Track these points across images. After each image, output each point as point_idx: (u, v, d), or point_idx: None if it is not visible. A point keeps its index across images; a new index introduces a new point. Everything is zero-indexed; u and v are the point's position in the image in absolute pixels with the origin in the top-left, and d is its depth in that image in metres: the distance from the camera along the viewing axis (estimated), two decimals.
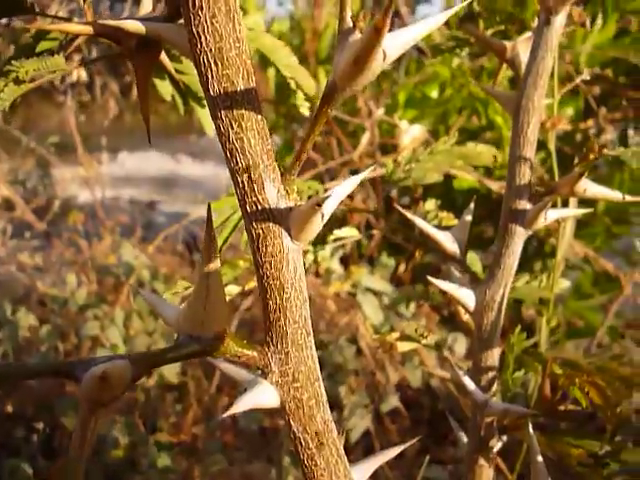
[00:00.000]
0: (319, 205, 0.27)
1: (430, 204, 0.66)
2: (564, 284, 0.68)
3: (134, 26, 0.30)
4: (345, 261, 1.77)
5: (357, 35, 0.25)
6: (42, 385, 1.39)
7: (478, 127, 1.72)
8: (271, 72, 2.17)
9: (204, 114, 0.57)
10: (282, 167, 0.31)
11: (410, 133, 1.23)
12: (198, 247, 1.68)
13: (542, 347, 0.62)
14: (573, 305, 1.78)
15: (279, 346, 0.31)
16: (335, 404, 1.14)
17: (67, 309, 1.58)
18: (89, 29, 0.32)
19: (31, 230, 3.05)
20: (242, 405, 0.31)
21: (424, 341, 0.51)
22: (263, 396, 0.32)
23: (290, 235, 0.30)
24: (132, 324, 1.50)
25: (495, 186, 1.35)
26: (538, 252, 1.66)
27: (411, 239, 0.62)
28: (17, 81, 0.32)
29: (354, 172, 1.51)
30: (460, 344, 1.46)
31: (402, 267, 1.80)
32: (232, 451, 1.37)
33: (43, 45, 0.43)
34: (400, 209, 0.50)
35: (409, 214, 0.50)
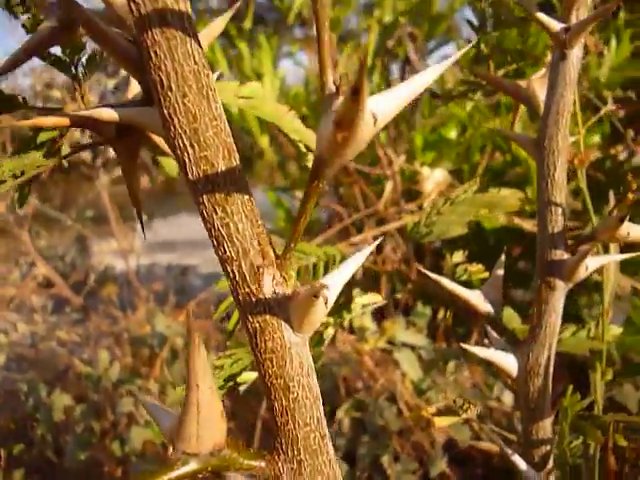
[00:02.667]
0: (316, 296, 0.24)
1: (457, 256, 0.62)
2: (615, 331, 0.62)
3: (108, 114, 0.28)
4: (380, 313, 1.71)
5: (340, 100, 0.22)
6: (79, 467, 1.35)
7: (503, 163, 1.68)
8: None
9: None
10: (276, 250, 0.27)
11: (432, 179, 1.20)
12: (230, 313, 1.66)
13: (599, 406, 0.55)
14: (628, 340, 1.67)
15: (290, 454, 0.27)
16: (378, 470, 1.07)
17: (102, 386, 1.56)
18: (65, 121, 0.30)
19: (70, 304, 3.10)
20: None
21: (463, 415, 0.46)
22: None
23: (291, 327, 0.26)
24: (168, 397, 1.47)
25: (528, 225, 1.30)
26: (581, 285, 1.57)
27: (439, 297, 0.57)
28: None
29: (380, 222, 1.48)
30: (508, 393, 1.37)
31: (440, 314, 1.73)
32: None
33: (42, 136, 0.42)
34: (426, 272, 0.46)
35: (435, 276, 0.46)
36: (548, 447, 0.44)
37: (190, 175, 0.25)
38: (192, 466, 0.25)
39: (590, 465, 0.48)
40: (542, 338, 0.44)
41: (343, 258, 0.53)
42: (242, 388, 0.42)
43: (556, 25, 0.42)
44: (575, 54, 0.44)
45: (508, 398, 1.37)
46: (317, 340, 0.52)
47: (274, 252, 0.27)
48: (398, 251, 1.60)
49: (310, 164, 0.54)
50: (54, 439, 1.48)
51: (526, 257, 1.73)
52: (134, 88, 0.38)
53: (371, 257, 1.52)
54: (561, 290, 0.43)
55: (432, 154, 1.57)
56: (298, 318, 0.26)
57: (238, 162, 0.26)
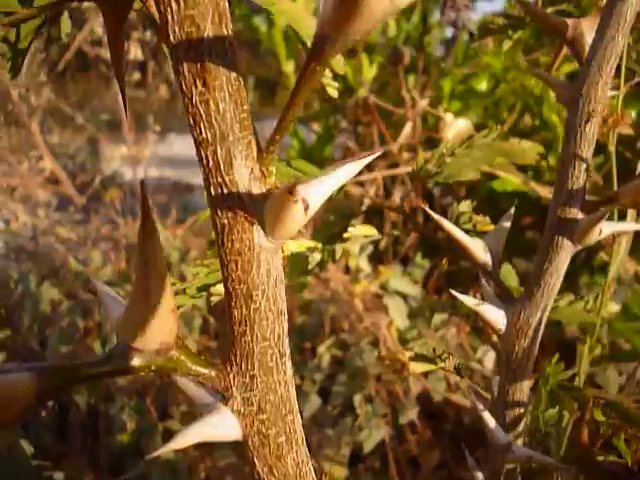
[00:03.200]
0: (291, 193, 0.21)
1: (465, 205, 0.58)
2: (613, 308, 0.59)
3: None
4: (378, 259, 1.69)
5: None
6: (58, 360, 1.38)
7: (531, 126, 1.61)
8: None
9: None
10: (298, 139, 0.24)
11: (455, 127, 1.15)
12: None
13: (581, 379, 0.53)
14: (619, 326, 1.66)
15: (243, 367, 0.25)
16: (351, 409, 1.07)
17: (91, 285, 1.56)
18: None
19: (74, 204, 3.09)
20: (193, 436, 0.25)
21: (441, 364, 0.44)
22: (220, 427, 0.25)
23: (264, 229, 0.23)
24: None
25: (544, 191, 1.25)
26: (585, 265, 1.54)
27: (438, 244, 0.54)
28: None
29: (393, 166, 1.43)
30: (491, 357, 1.36)
31: (438, 269, 1.71)
32: (241, 446, 1.32)
33: None
34: (426, 209, 0.43)
35: (437, 216, 0.43)
36: (522, 410, 0.43)
37: (172, 36, 0.22)
38: (133, 362, 0.23)
39: (560, 434, 0.47)
40: (538, 298, 0.41)
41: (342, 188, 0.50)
42: (214, 299, 0.40)
43: None
44: None
45: (490, 362, 1.37)
46: (303, 267, 0.49)
47: (257, 142, 0.23)
48: (407, 200, 1.56)
49: (326, 81, 0.50)
50: (39, 330, 1.50)
51: (535, 227, 1.69)
52: None
53: (378, 200, 1.49)
54: (568, 251, 0.40)
55: (458, 104, 1.50)
56: (272, 220, 0.23)
57: (230, 33, 0.22)
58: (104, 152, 4.06)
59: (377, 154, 0.27)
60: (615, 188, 0.51)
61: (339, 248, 0.48)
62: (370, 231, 0.49)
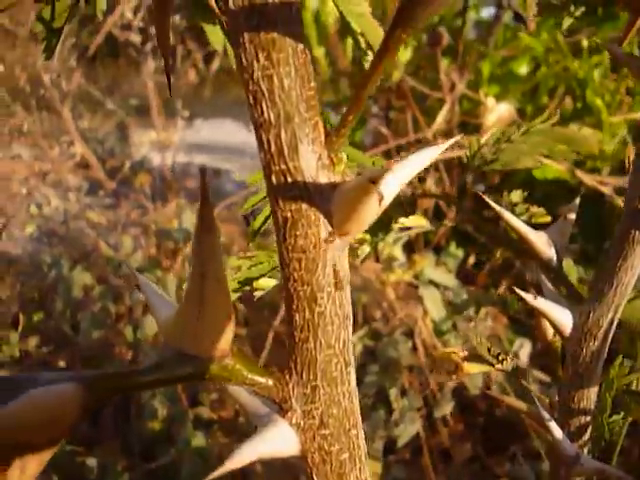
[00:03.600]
0: (375, 182, 0.18)
1: (516, 196, 0.54)
2: None
3: None
4: (409, 248, 1.65)
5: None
6: (91, 345, 1.39)
7: (573, 110, 1.55)
8: (349, 42, 2.06)
9: None
10: (330, 125, 0.21)
11: (497, 112, 1.10)
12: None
13: None
14: None
15: (304, 377, 0.22)
16: (385, 404, 1.05)
17: (124, 271, 1.57)
18: None
19: (104, 189, 3.12)
20: (250, 453, 0.22)
21: (498, 365, 0.41)
22: (278, 441, 0.23)
23: (331, 224, 0.21)
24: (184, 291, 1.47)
25: (588, 179, 1.20)
26: None
27: (487, 236, 0.51)
28: None
29: None
30: (525, 350, 1.32)
31: (471, 259, 1.67)
32: None
33: None
34: (490, 202, 0.39)
35: (499, 208, 0.40)
36: (587, 418, 0.39)
37: (232, 3, 0.19)
38: (185, 370, 0.21)
39: (615, 439, 0.43)
40: (610, 297, 0.37)
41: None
42: (258, 294, 0.37)
43: None
44: None
45: (525, 355, 1.33)
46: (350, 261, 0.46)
47: (324, 125, 0.20)
48: (440, 187, 1.52)
49: (368, 65, 0.46)
50: (72, 314, 1.51)
51: (576, 217, 1.63)
52: None
53: (410, 189, 1.45)
54: None
55: (497, 88, 1.44)
56: (342, 214, 0.20)
57: (298, 2, 0.20)
58: (133, 137, 4.08)
59: (453, 140, 0.24)
60: None
61: (388, 239, 0.45)
62: (421, 221, 0.46)
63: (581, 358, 0.38)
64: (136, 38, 2.93)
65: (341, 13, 0.43)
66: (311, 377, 0.22)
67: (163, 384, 0.21)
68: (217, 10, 0.41)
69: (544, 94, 1.45)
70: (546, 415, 0.36)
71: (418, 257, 1.17)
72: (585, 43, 1.47)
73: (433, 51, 1.27)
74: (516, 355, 1.30)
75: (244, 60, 0.20)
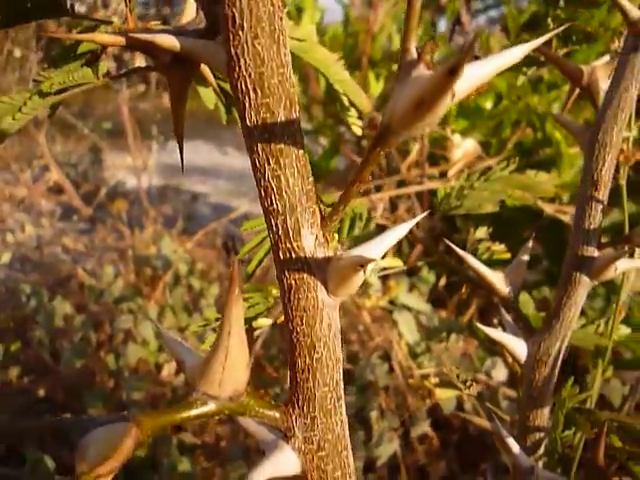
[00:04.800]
0: (362, 266, 0.23)
1: (481, 232, 0.61)
2: (624, 331, 0.62)
3: (168, 41, 0.26)
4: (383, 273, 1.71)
5: (422, 70, 0.21)
6: (72, 374, 1.40)
7: (533, 142, 1.64)
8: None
9: None
10: (323, 209, 0.27)
11: (462, 147, 1.18)
12: (236, 249, 1.68)
13: (593, 401, 0.56)
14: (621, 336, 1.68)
15: (305, 410, 0.28)
16: (363, 424, 1.10)
17: (104, 300, 1.59)
18: (122, 40, 0.29)
19: (78, 214, 3.12)
20: (260, 474, 0.27)
21: (466, 391, 0.47)
22: (283, 463, 0.28)
23: (327, 288, 0.26)
24: (165, 319, 1.50)
25: (549, 209, 1.28)
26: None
27: (458, 274, 0.57)
28: (41, 94, 0.29)
29: (401, 183, 1.46)
30: (499, 370, 1.39)
31: (443, 281, 1.74)
32: (255, 456, 1.34)
33: (84, 47, 0.40)
34: (454, 247, 0.45)
35: (461, 252, 0.46)
36: (542, 434, 0.45)
37: (248, 121, 0.25)
38: (210, 407, 0.26)
39: (572, 456, 0.49)
40: (557, 330, 0.44)
41: (369, 216, 0.53)
42: (257, 333, 0.42)
43: (637, 12, 0.40)
44: None
45: (498, 374, 1.40)
46: None
47: (320, 212, 0.26)
48: (411, 213, 1.59)
49: (352, 120, 0.53)
50: (51, 343, 1.53)
51: (537, 239, 1.72)
52: (189, 14, 0.36)
53: (385, 215, 1.52)
54: (585, 286, 0.43)
55: (465, 123, 1.53)
56: (335, 282, 0.26)
57: (298, 115, 0.25)
58: (106, 161, 4.07)
59: (416, 220, 0.30)
60: (627, 221, 0.54)
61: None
62: (396, 262, 0.52)
63: (534, 382, 0.44)
64: (111, 64, 2.95)
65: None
66: (310, 410, 0.28)
67: (194, 419, 0.26)
68: (213, 82, 0.46)
69: (507, 127, 1.54)
70: (504, 432, 0.42)
71: (393, 283, 1.23)
72: (546, 77, 1.57)
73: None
74: (488, 374, 1.36)
75: (257, 163, 0.25)
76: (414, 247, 1.71)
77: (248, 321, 0.43)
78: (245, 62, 0.24)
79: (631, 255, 0.51)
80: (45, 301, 1.50)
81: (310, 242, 0.26)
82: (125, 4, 0.37)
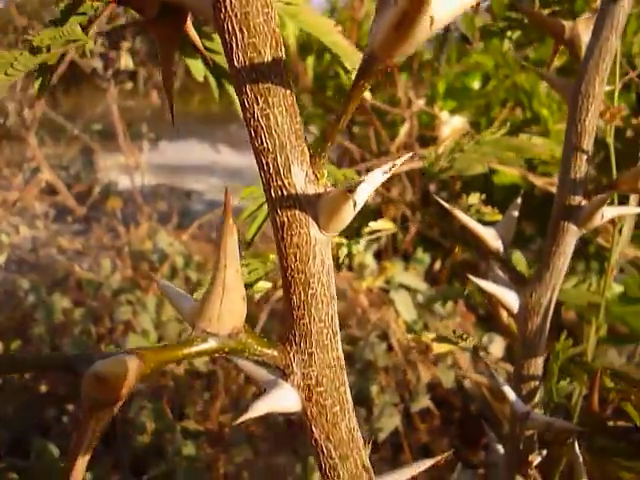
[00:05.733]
0: (351, 191, 0.24)
1: (473, 198, 0.62)
2: (616, 289, 0.63)
3: None
4: (379, 255, 1.73)
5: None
6: None
7: (522, 120, 1.66)
8: (309, 61, 2.14)
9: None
10: (312, 149, 0.28)
11: (450, 124, 1.19)
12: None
13: (589, 356, 0.57)
14: (617, 310, 1.70)
15: (302, 346, 0.29)
16: (364, 402, 1.11)
17: (102, 293, 1.59)
18: None
19: (72, 215, 3.12)
20: (259, 408, 0.28)
21: (462, 344, 0.48)
22: (283, 400, 0.29)
23: (318, 224, 0.27)
24: (164, 310, 1.51)
25: (539, 182, 1.29)
26: (581, 252, 1.58)
27: (448, 235, 0.58)
28: (32, 50, 0.30)
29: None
30: (496, 345, 1.41)
31: (438, 264, 1.75)
32: (258, 442, 1.36)
33: (72, 21, 0.41)
34: (440, 201, 0.46)
35: (449, 207, 0.47)
36: (536, 383, 0.46)
37: (235, 61, 0.25)
38: (211, 344, 0.27)
39: (574, 404, 0.50)
40: (547, 279, 0.45)
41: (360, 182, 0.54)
42: (257, 296, 0.43)
43: None
44: None
45: (495, 350, 1.41)
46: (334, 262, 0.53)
47: (309, 149, 0.27)
48: (405, 195, 1.60)
49: (350, 82, 0.53)
50: (51, 339, 1.53)
51: (529, 218, 1.74)
52: None
53: (378, 199, 1.52)
54: (573, 235, 0.44)
55: (453, 103, 1.54)
56: (326, 216, 0.26)
57: (284, 54, 0.26)
58: (98, 162, 4.06)
59: (406, 156, 0.31)
60: (614, 168, 0.55)
61: (359, 247, 0.52)
62: (388, 225, 0.53)
63: (527, 332, 0.45)
64: (98, 64, 2.95)
65: (308, 35, 0.50)
66: (307, 346, 0.28)
67: (195, 356, 0.26)
68: (202, 47, 0.47)
69: (496, 106, 1.55)
70: (500, 380, 0.43)
71: (388, 264, 1.24)
72: (532, 55, 1.58)
73: (391, 69, 1.36)
74: (486, 349, 1.38)
75: (246, 103, 0.26)
76: (407, 233, 1.72)
77: (248, 286, 0.44)
78: (231, 3, 0.24)
79: (622, 204, 0.52)
80: (44, 297, 1.51)
81: (300, 179, 0.26)
82: None
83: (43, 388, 1.44)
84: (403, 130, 1.32)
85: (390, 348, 1.20)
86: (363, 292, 1.35)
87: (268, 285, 0.46)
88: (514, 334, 0.56)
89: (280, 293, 1.51)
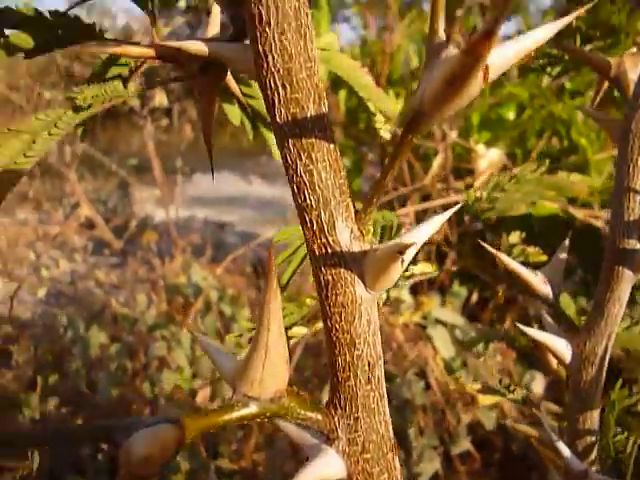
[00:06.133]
0: (401, 253, 0.23)
1: (514, 237, 0.60)
2: None
3: (196, 47, 0.27)
4: (414, 289, 1.70)
5: (451, 51, 0.21)
6: (109, 404, 1.41)
7: (559, 150, 1.62)
8: (342, 95, 2.16)
9: (273, 139, 0.55)
10: (356, 204, 0.27)
11: (487, 157, 1.17)
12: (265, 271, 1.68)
13: None
14: None
15: (347, 410, 0.27)
16: (402, 444, 1.07)
17: (137, 328, 1.60)
18: (151, 52, 0.29)
19: (109, 248, 3.19)
20: (304, 478, 0.27)
21: (509, 396, 0.45)
22: (328, 467, 0.27)
23: (364, 283, 0.26)
24: (198, 346, 1.50)
25: (580, 214, 1.25)
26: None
27: (490, 276, 0.56)
28: (75, 108, 0.30)
29: (425, 197, 1.45)
30: (538, 383, 1.35)
31: (475, 296, 1.71)
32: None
33: (113, 71, 0.42)
34: (487, 247, 0.45)
35: (495, 251, 0.45)
36: (593, 438, 0.43)
37: (278, 117, 0.25)
38: (252, 409, 0.25)
39: (626, 460, 0.47)
40: (602, 327, 0.42)
41: (399, 225, 0.52)
42: (292, 342, 0.42)
43: None
44: None
45: (537, 387, 1.35)
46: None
47: (354, 206, 0.26)
48: (441, 230, 1.57)
49: (379, 125, 0.53)
50: (87, 374, 1.54)
51: (570, 249, 1.68)
52: (213, 29, 0.37)
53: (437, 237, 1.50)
54: (629, 281, 0.42)
55: (487, 134, 1.52)
56: (372, 275, 0.25)
57: (327, 109, 0.25)
58: (134, 195, 4.16)
59: (451, 212, 0.30)
60: None
61: (401, 285, 0.50)
62: (428, 268, 0.51)
63: (582, 383, 0.42)
64: (135, 102, 3.05)
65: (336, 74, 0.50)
66: (353, 410, 0.27)
67: (236, 422, 0.25)
68: (241, 97, 0.47)
69: (532, 137, 1.53)
70: (554, 437, 0.40)
71: (425, 298, 1.21)
72: (568, 85, 1.56)
73: None
74: (527, 388, 1.32)
75: (289, 159, 0.25)
76: (443, 264, 1.69)
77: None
78: (273, 58, 0.24)
79: None
80: (81, 332, 1.52)
81: (345, 236, 0.25)
82: (151, 23, 0.38)
83: (79, 422, 1.44)
84: (436, 162, 1.31)
85: (428, 386, 1.16)
86: (399, 327, 1.32)
87: (304, 331, 0.44)
88: (563, 378, 0.53)
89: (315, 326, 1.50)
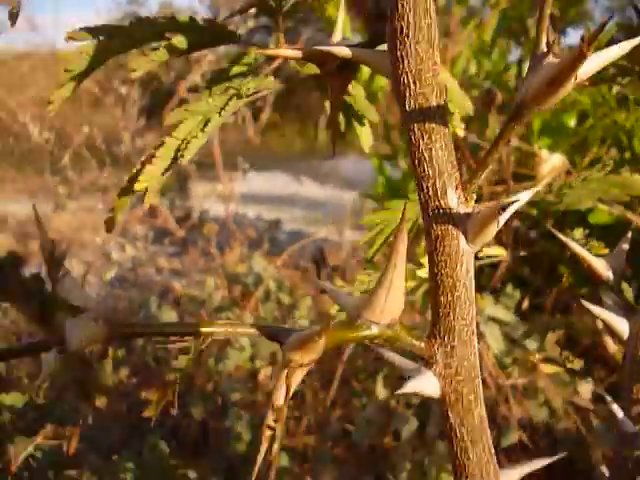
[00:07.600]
0: (504, 209, 0.30)
1: (578, 232, 0.65)
2: None
3: (342, 51, 0.35)
4: None
5: (551, 59, 0.28)
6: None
7: (620, 159, 1.63)
8: None
9: (363, 132, 0.62)
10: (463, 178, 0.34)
11: (550, 162, 1.21)
12: (326, 262, 1.77)
13: None
14: None
15: (446, 340, 0.34)
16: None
17: (200, 310, 1.72)
18: (298, 53, 0.37)
19: (170, 237, 3.35)
20: (407, 389, 0.34)
21: (570, 365, 0.51)
22: (426, 385, 0.34)
23: (466, 238, 0.33)
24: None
25: (638, 219, 1.28)
26: None
27: (558, 261, 0.62)
28: (239, 96, 0.38)
29: (479, 198, 1.50)
30: (584, 386, 1.37)
31: (526, 302, 1.73)
32: (341, 464, 1.39)
33: (235, 69, 0.50)
34: (555, 232, 0.51)
35: (564, 237, 0.51)
36: None
37: (407, 107, 0.32)
38: (373, 331, 0.33)
39: None
40: None
41: None
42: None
43: None
44: None
45: (586, 393, 1.38)
46: None
47: (461, 178, 0.33)
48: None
49: (456, 123, 0.59)
50: (153, 349, 1.66)
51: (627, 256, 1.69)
52: (337, 36, 0.45)
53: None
54: None
55: (548, 140, 1.56)
56: (473, 232, 0.32)
57: (445, 101, 0.33)
58: (192, 189, 4.34)
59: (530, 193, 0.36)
60: None
61: None
62: (500, 251, 0.57)
63: (637, 357, 0.48)
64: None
65: None
66: (450, 340, 0.34)
67: (360, 339, 0.33)
68: (349, 93, 0.55)
69: (593, 145, 1.55)
70: (609, 398, 0.46)
71: (478, 297, 1.26)
72: (631, 94, 1.57)
73: (487, 109, 1.41)
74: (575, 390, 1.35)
75: (413, 139, 0.33)
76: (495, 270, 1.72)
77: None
78: (409, 62, 0.31)
79: None
80: (153, 310, 1.64)
81: (454, 200, 0.33)
82: (278, 32, 0.47)
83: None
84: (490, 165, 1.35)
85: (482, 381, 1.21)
86: None
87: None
88: (617, 364, 0.59)
89: None
